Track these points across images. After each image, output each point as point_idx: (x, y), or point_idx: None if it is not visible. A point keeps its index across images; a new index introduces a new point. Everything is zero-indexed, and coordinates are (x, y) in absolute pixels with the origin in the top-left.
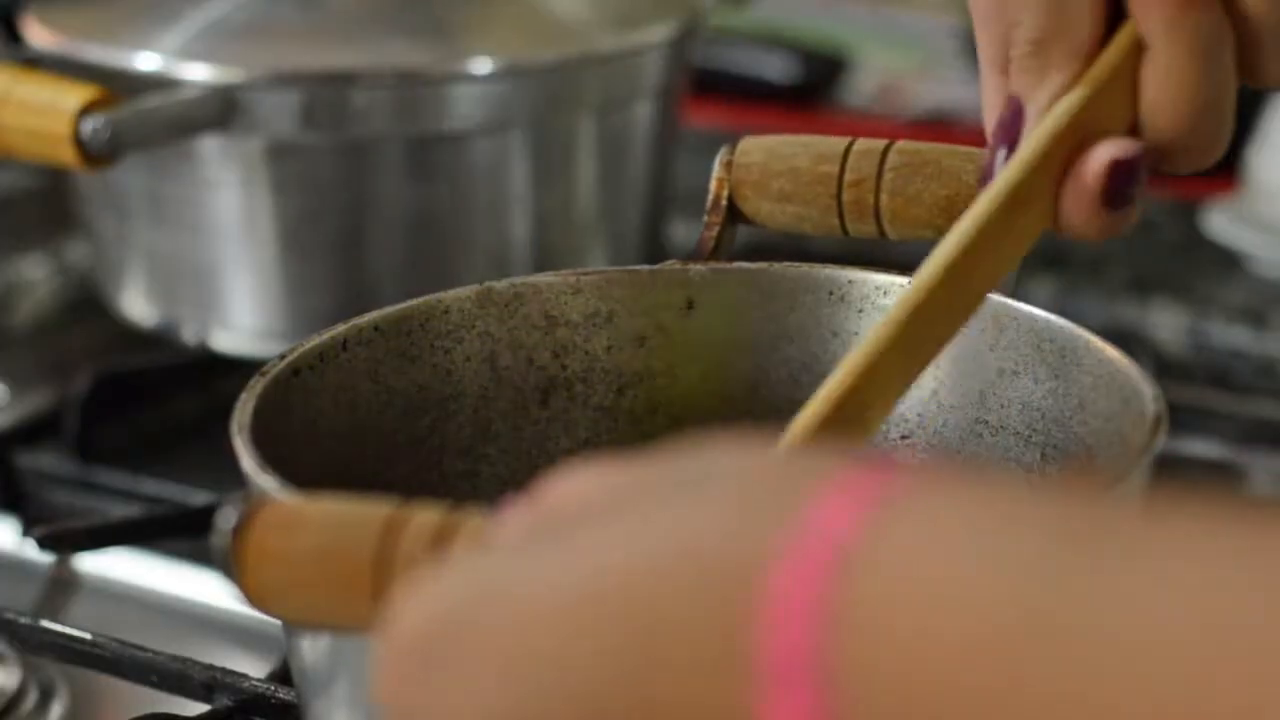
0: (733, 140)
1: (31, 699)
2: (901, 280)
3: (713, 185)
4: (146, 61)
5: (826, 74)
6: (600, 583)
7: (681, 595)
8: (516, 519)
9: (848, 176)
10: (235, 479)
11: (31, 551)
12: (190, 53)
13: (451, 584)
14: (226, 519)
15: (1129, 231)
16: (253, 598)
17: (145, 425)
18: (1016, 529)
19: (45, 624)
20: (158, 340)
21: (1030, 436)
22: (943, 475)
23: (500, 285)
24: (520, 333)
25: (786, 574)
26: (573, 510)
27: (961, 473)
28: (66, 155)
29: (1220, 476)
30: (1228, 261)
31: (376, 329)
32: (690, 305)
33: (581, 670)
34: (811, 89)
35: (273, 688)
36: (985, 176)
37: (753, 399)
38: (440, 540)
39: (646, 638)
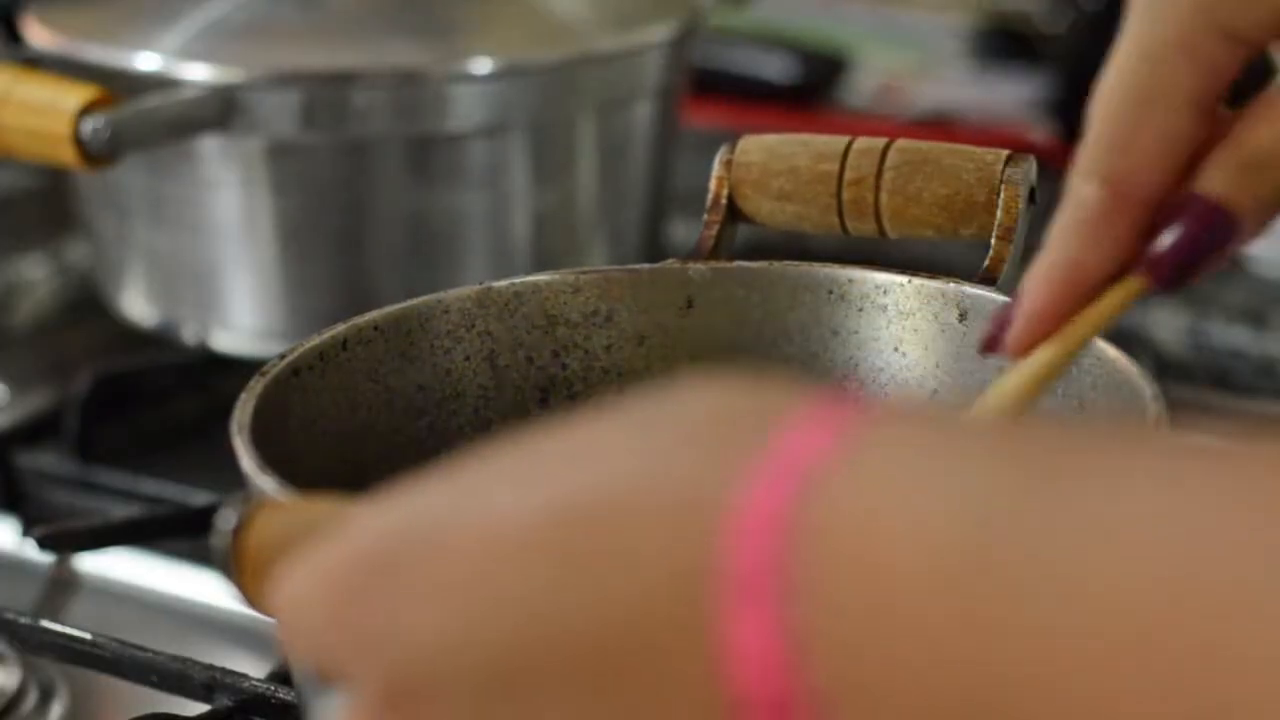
0: (733, 140)
1: (31, 699)
2: (902, 279)
3: (712, 184)
4: (146, 61)
5: (826, 74)
6: (560, 502)
7: (644, 513)
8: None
9: (847, 175)
10: (235, 479)
11: (31, 551)
12: (190, 53)
13: (403, 506)
14: (226, 519)
15: None
16: (252, 598)
17: (145, 425)
18: (982, 462)
19: (45, 624)
20: (158, 340)
21: None
22: (911, 409)
23: (500, 285)
24: (520, 332)
25: (753, 494)
26: (528, 447)
27: (929, 408)
28: (66, 155)
29: None
30: (1228, 261)
31: (376, 329)
32: (690, 304)
33: (539, 588)
34: (811, 89)
35: (273, 688)
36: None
37: None
38: None
39: (607, 553)
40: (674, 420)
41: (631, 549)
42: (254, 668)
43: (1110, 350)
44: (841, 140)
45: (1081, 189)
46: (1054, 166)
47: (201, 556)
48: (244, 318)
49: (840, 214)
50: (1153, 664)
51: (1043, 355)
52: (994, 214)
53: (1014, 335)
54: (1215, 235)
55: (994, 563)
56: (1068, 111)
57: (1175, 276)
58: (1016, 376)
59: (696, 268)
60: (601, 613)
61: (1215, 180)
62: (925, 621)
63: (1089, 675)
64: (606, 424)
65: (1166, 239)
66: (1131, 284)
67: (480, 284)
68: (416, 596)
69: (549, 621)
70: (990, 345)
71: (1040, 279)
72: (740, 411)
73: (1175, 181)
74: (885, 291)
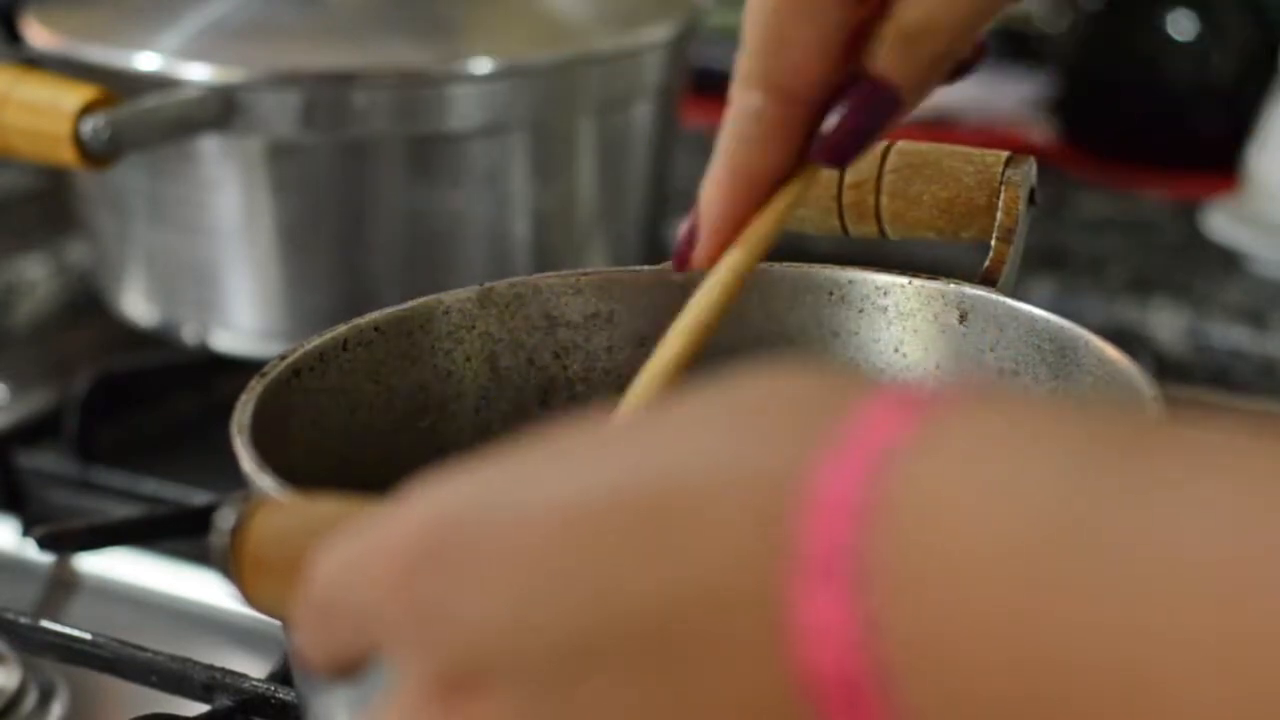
0: None
1: (31, 699)
2: (902, 280)
3: None
4: (146, 61)
5: None
6: (629, 482)
7: (718, 492)
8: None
9: (848, 178)
10: (235, 479)
11: (31, 551)
12: (190, 53)
13: (460, 486)
14: (225, 519)
15: (1129, 231)
16: (251, 597)
17: (145, 425)
18: (1062, 445)
19: (45, 624)
20: (158, 340)
21: None
22: (989, 394)
23: (501, 286)
24: (521, 333)
25: (828, 476)
26: (579, 433)
27: (1006, 393)
28: (66, 155)
29: None
30: (1228, 261)
31: (377, 329)
32: None
33: (604, 567)
34: None
35: (273, 688)
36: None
37: None
38: None
39: (675, 532)
40: (740, 403)
41: (700, 528)
42: (254, 668)
43: (1110, 350)
44: None
45: (745, 98)
46: (1054, 166)
47: (201, 556)
48: (244, 318)
49: (841, 217)
50: (1242, 650)
51: (732, 261)
52: (994, 216)
53: (703, 250)
54: (879, 111)
55: (1074, 544)
56: (1068, 111)
57: (844, 157)
58: (714, 284)
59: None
60: (668, 591)
61: (876, 58)
62: (1002, 603)
63: (1171, 659)
64: (668, 408)
65: (834, 122)
66: (802, 177)
67: (481, 284)
68: (477, 577)
69: (614, 600)
70: (681, 264)
71: (718, 191)
72: (809, 395)
73: (836, 71)
74: (885, 293)
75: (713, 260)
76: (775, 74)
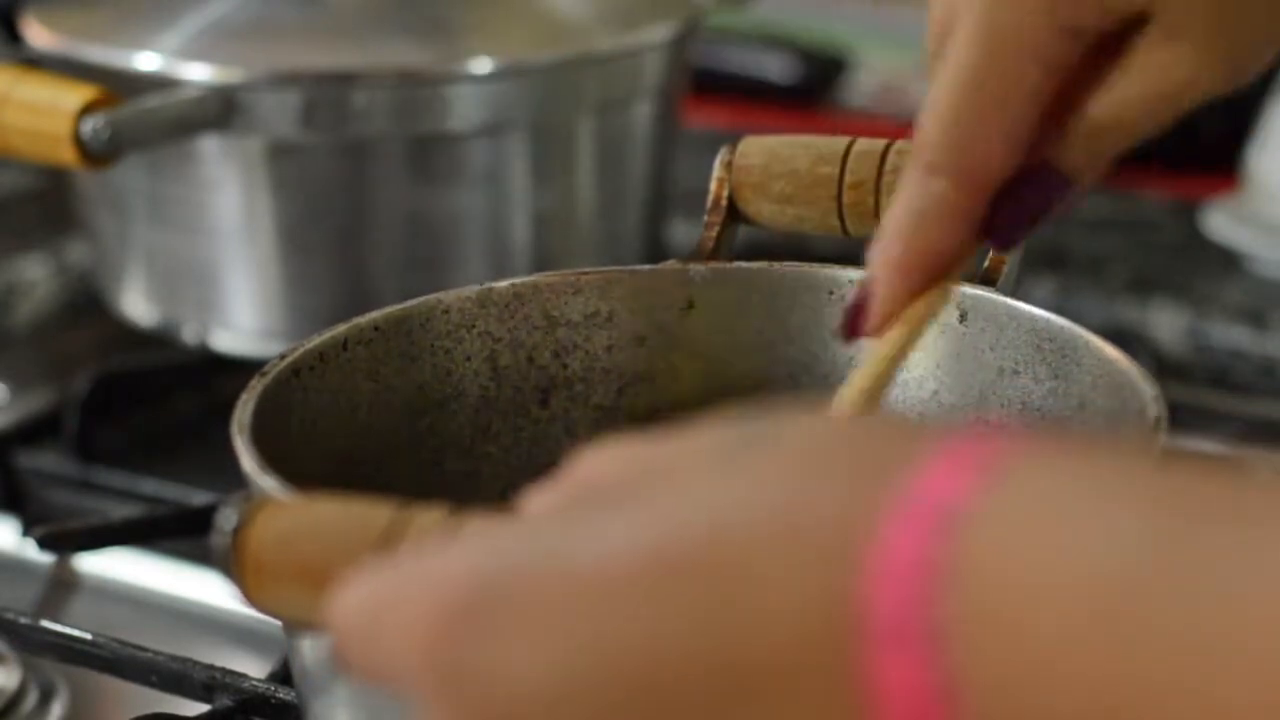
0: (733, 140)
1: (31, 699)
2: None
3: (713, 185)
4: (146, 61)
5: (826, 74)
6: (678, 541)
7: (775, 553)
8: (546, 495)
9: (848, 178)
10: (235, 479)
11: (31, 551)
12: (190, 53)
13: (499, 544)
14: (227, 519)
15: (1129, 231)
16: (252, 598)
17: (145, 425)
18: (1129, 503)
19: (45, 624)
20: (158, 340)
21: None
22: (1051, 443)
23: (500, 285)
24: (520, 333)
25: (896, 533)
26: (615, 482)
27: (1069, 442)
28: (66, 155)
29: None
30: (1228, 261)
31: (377, 329)
32: (690, 305)
33: (657, 632)
34: (811, 89)
35: (273, 688)
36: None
37: (753, 399)
38: None
39: (735, 597)
40: (792, 451)
41: (755, 583)
42: (254, 668)
43: (1110, 350)
44: (841, 142)
45: (930, 183)
46: None
47: (201, 556)
48: (244, 318)
49: (841, 217)
50: None
51: (894, 337)
52: None
53: (874, 323)
54: (1056, 198)
55: (1146, 608)
56: None
57: (1017, 241)
58: (876, 361)
59: (697, 268)
60: (725, 648)
61: (1062, 151)
62: (1075, 665)
63: (1254, 711)
64: (717, 452)
65: (1013, 209)
66: (968, 258)
67: (480, 284)
68: (516, 636)
69: (665, 658)
70: (851, 333)
71: (896, 267)
72: (865, 445)
73: (1019, 160)
74: None
75: (885, 332)
76: (964, 165)
